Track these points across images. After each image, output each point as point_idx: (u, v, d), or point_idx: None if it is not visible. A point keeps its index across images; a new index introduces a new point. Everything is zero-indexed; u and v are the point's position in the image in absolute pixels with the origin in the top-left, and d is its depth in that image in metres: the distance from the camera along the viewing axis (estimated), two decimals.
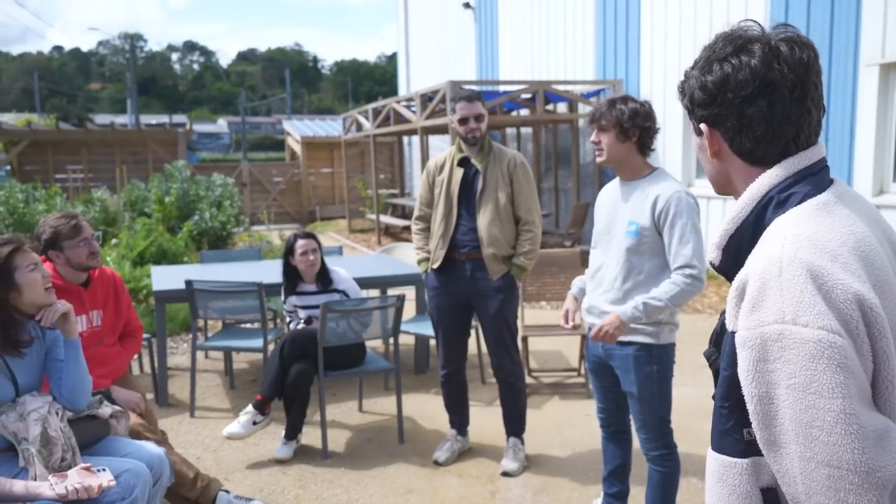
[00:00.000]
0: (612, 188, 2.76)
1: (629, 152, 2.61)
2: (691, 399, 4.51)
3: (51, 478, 2.10)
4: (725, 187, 1.18)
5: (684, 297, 2.52)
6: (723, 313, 1.17)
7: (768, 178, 1.08)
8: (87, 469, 2.16)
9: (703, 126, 1.14)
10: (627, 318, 2.55)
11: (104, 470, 2.20)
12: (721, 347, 1.14)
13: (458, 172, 3.53)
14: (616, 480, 2.99)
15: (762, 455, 1.01)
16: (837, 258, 0.96)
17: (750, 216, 1.08)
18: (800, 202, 1.04)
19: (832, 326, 0.91)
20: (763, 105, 1.07)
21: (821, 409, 0.90)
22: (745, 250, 1.07)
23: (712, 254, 1.13)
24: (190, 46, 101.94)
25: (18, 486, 2.10)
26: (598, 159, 2.67)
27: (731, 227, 1.10)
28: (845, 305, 0.93)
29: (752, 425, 0.99)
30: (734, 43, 1.09)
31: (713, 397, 1.16)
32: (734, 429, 1.05)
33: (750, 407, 0.98)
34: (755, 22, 1.10)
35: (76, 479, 2.10)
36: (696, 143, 1.20)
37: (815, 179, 1.07)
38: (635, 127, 2.56)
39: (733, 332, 1.02)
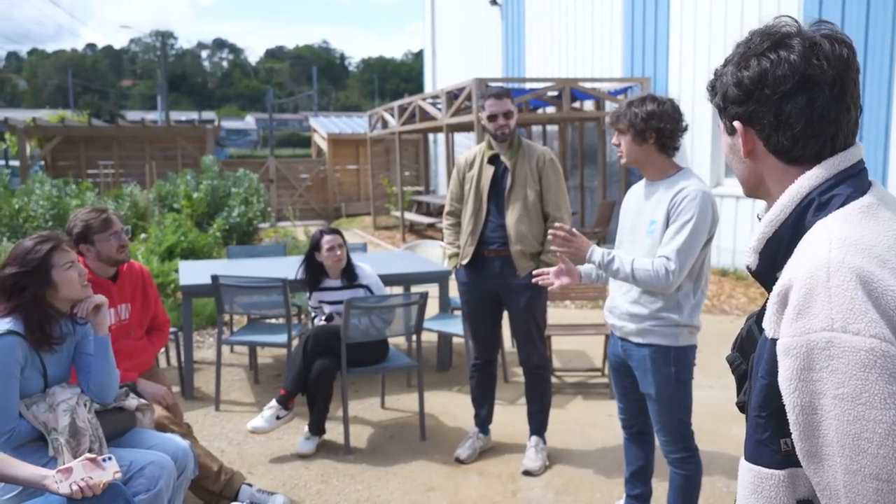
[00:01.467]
0: (638, 189, 2.73)
1: (648, 153, 2.57)
2: (715, 401, 4.45)
3: (55, 474, 2.07)
4: (757, 189, 1.14)
5: (647, 281, 2.48)
6: (749, 317, 1.13)
7: (808, 180, 1.04)
8: (93, 461, 2.12)
9: (736, 124, 1.10)
10: (592, 255, 2.57)
11: (110, 459, 2.16)
12: (746, 353, 1.10)
13: (489, 170, 3.53)
14: (638, 482, 2.97)
15: (800, 466, 0.98)
16: (886, 263, 0.93)
17: (789, 219, 1.04)
18: (842, 205, 1.01)
19: (884, 335, 0.89)
20: (802, 102, 1.03)
21: (871, 420, 0.87)
22: (782, 254, 1.04)
23: (749, 258, 1.09)
24: (219, 44, 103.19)
25: (26, 470, 2.09)
26: (621, 161, 2.66)
27: (768, 230, 1.06)
28: (895, 313, 0.90)
29: (793, 436, 0.96)
30: (771, 38, 1.06)
31: (737, 405, 1.13)
32: (771, 439, 1.01)
33: (791, 417, 0.95)
34: (791, 18, 1.07)
35: (81, 473, 2.07)
36: (726, 143, 1.16)
37: (856, 181, 1.04)
38: (650, 129, 2.51)
39: (774, 340, 0.98)
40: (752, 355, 1.07)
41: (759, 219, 1.12)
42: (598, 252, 2.57)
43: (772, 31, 1.07)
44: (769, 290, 1.04)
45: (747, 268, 1.11)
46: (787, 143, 1.06)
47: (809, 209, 1.03)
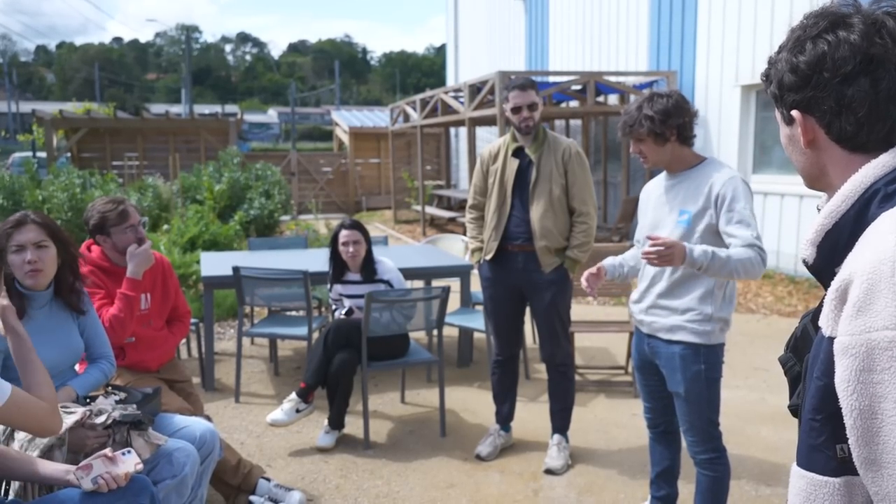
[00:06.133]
0: (657, 183, 2.69)
1: (673, 150, 2.55)
2: (743, 402, 4.36)
3: (76, 472, 2.02)
4: (819, 180, 1.08)
5: (750, 270, 2.35)
6: (804, 316, 1.07)
7: (873, 169, 0.98)
8: (111, 458, 2.07)
9: (795, 113, 1.04)
10: (691, 255, 2.30)
11: (129, 452, 2.13)
12: (800, 353, 1.04)
13: (513, 163, 3.47)
14: (664, 483, 2.90)
15: (857, 474, 0.92)
16: None
17: (850, 210, 0.98)
18: None
19: None
20: (866, 84, 0.97)
21: None
22: (841, 248, 0.97)
23: (806, 251, 1.03)
24: (243, 38, 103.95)
25: (50, 467, 2.05)
26: (646, 166, 2.63)
27: (828, 222, 1.00)
28: None
29: (850, 441, 0.90)
30: (828, 18, 0.99)
31: (789, 408, 1.07)
32: (826, 444, 0.95)
33: (848, 421, 0.89)
34: None
35: (101, 468, 2.03)
36: (784, 134, 1.10)
37: None
38: (670, 128, 2.49)
39: (831, 338, 0.92)
40: (806, 356, 1.01)
41: (819, 210, 1.05)
42: (697, 250, 2.33)
43: (827, 11, 1.00)
44: (826, 286, 0.97)
45: (804, 262, 1.04)
46: (850, 129, 1.00)
47: (874, 200, 0.96)
